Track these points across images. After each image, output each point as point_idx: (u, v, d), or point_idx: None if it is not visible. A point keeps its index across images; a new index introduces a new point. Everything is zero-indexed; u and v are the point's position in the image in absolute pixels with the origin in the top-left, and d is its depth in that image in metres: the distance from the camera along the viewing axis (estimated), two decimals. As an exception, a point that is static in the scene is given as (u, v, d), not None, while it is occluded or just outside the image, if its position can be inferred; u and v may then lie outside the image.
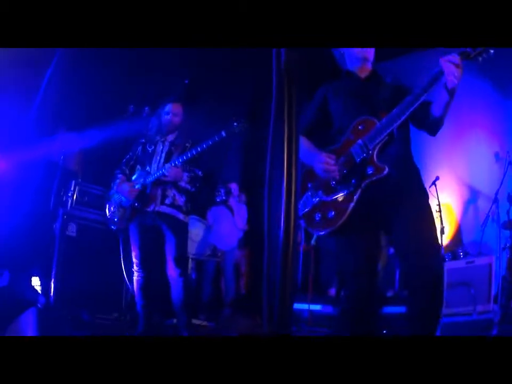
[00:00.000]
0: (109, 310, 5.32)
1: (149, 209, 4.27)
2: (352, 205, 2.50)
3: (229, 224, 6.62)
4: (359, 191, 2.50)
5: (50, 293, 4.93)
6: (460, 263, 4.97)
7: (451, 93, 2.39)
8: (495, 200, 5.33)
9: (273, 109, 1.40)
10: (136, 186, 4.31)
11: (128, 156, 4.57)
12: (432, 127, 2.66)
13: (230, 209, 6.75)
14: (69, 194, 5.22)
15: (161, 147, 4.45)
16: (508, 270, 4.97)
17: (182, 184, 4.31)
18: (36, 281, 4.89)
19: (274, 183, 1.35)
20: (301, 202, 2.74)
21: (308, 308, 5.17)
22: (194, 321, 5.27)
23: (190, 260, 5.88)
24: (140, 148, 4.54)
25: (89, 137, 5.33)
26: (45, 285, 4.92)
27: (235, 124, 4.06)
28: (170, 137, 4.50)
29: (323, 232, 2.63)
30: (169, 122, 4.44)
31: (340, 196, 2.58)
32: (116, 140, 5.07)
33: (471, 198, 6.04)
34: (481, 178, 6.02)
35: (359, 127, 2.61)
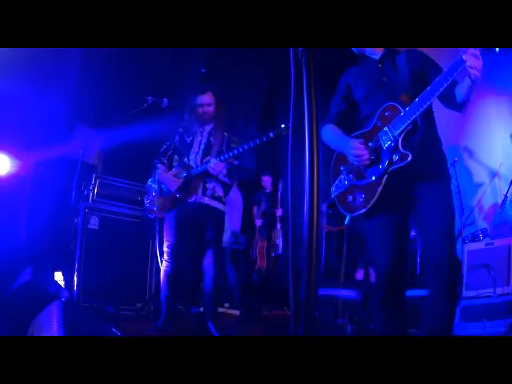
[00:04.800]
0: (133, 301, 5.38)
1: (190, 200, 4.37)
2: (380, 188, 2.65)
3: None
4: (386, 176, 2.64)
5: (74, 286, 5.00)
6: (479, 245, 4.95)
7: (474, 81, 2.45)
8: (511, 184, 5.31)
9: (292, 100, 1.44)
10: (179, 177, 4.39)
11: (165, 146, 4.64)
12: (458, 107, 2.71)
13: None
14: (90, 188, 5.28)
15: (200, 138, 4.53)
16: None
17: (221, 176, 4.40)
18: (59, 276, 4.96)
19: (297, 172, 1.39)
20: (335, 184, 2.94)
21: (330, 293, 5.19)
22: (219, 309, 5.33)
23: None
24: (177, 138, 4.61)
25: (108, 131, 5.37)
26: (68, 279, 4.99)
27: (282, 125, 4.16)
28: (208, 128, 4.57)
29: (355, 214, 2.78)
30: (204, 113, 4.50)
31: (369, 180, 2.72)
32: (135, 132, 5.11)
33: (489, 180, 6.01)
34: (499, 159, 5.98)
35: (385, 114, 2.71)
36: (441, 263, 2.54)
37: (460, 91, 2.59)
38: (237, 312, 5.78)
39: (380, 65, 2.88)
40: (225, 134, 4.53)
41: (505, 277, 4.68)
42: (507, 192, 5.42)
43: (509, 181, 5.37)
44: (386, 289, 2.71)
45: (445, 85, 2.48)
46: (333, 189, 2.96)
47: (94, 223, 5.20)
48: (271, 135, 4.13)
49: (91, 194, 5.27)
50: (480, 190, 6.03)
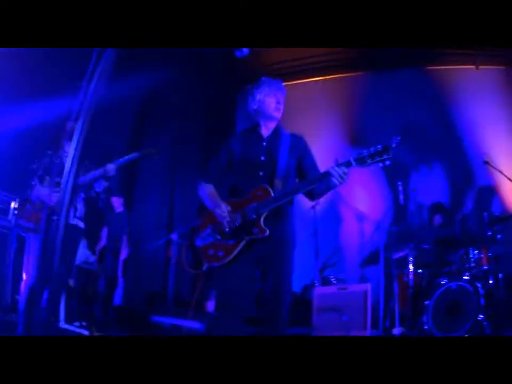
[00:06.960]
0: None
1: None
2: (237, 250, 3.16)
3: None
4: (243, 242, 3.15)
5: None
6: (331, 289, 5.05)
7: (332, 188, 3.01)
8: (377, 228, 5.42)
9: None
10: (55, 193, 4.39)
11: (35, 165, 4.64)
12: (312, 197, 3.33)
13: None
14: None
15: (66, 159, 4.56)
16: (390, 296, 5.08)
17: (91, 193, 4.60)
18: None
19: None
20: (200, 236, 3.37)
21: (172, 322, 5.26)
22: (68, 327, 5.35)
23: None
24: (47, 160, 4.62)
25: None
26: None
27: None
28: (67, 148, 4.56)
29: (214, 265, 3.26)
30: (69, 131, 4.46)
31: (230, 242, 3.20)
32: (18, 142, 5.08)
33: (354, 225, 6.09)
34: (367, 207, 6.08)
35: (257, 193, 3.20)
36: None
37: (319, 188, 3.12)
38: (87, 333, 5.76)
39: (264, 143, 3.32)
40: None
41: (360, 321, 4.76)
42: (372, 234, 5.53)
43: (373, 228, 5.47)
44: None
45: (310, 187, 3.10)
46: (198, 239, 3.35)
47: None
48: (137, 156, 4.47)
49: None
50: (345, 231, 6.13)
